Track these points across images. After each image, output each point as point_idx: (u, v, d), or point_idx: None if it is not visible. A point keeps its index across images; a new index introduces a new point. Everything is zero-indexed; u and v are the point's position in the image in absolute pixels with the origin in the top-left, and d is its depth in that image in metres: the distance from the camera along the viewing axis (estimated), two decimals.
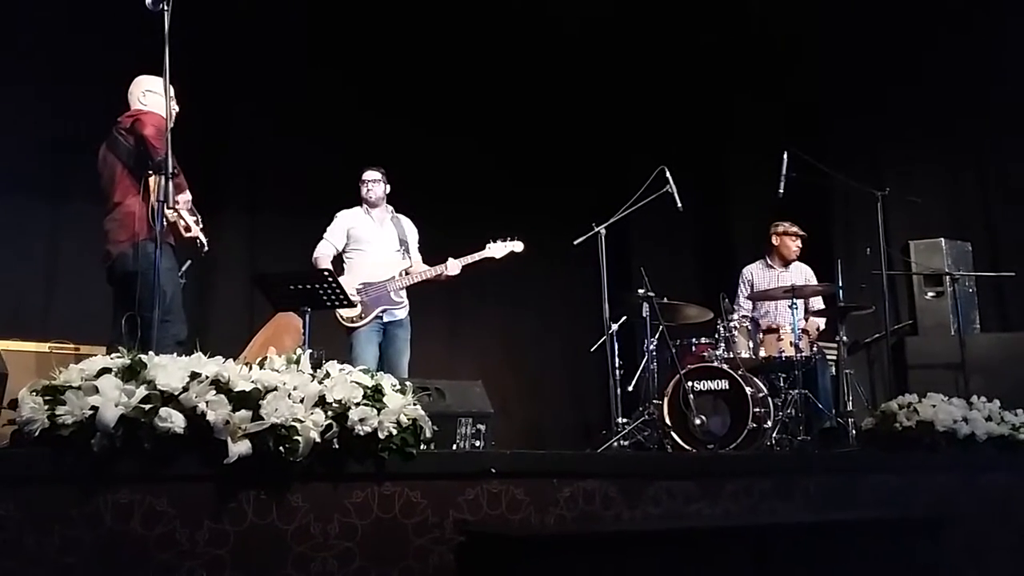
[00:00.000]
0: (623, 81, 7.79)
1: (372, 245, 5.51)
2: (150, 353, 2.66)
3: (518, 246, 5.61)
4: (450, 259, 5.46)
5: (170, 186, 3.40)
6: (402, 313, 5.49)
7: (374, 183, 5.54)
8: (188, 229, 4.31)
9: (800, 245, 6.37)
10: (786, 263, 6.39)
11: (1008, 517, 4.31)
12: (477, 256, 5.52)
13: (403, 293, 5.49)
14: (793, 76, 7.71)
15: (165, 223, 3.99)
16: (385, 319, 5.41)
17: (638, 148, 7.46)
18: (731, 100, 8.05)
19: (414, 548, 2.82)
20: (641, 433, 5.41)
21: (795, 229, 6.37)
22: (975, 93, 7.30)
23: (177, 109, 4.38)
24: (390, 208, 5.66)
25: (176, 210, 4.18)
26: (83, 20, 5.99)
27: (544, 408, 7.55)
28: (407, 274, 5.48)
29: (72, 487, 2.37)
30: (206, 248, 4.43)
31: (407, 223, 5.70)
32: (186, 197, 4.27)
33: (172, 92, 4.29)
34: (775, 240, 6.39)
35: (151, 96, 4.37)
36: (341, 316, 5.31)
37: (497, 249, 5.56)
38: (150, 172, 3.97)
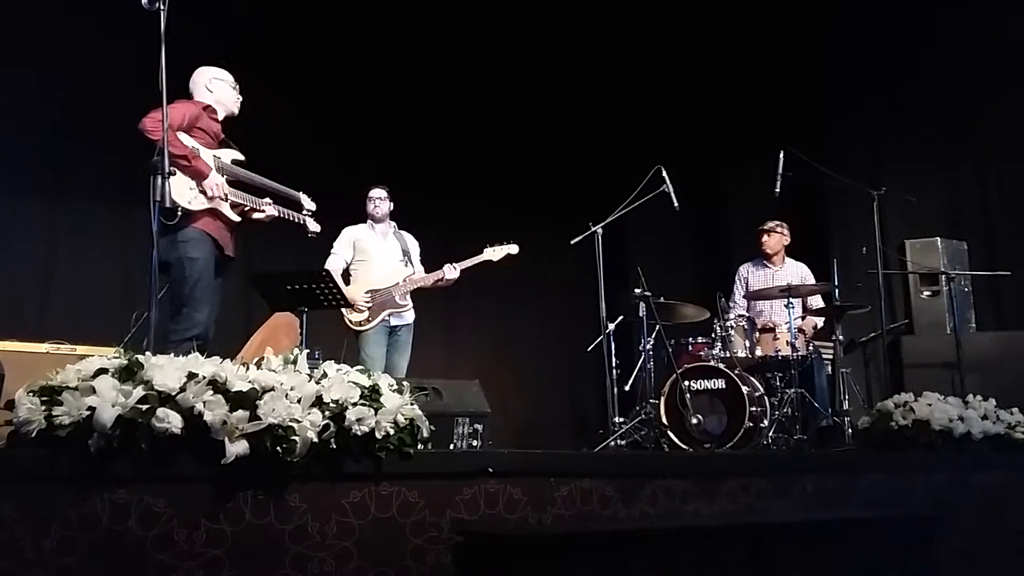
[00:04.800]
0: (620, 81, 7.80)
1: (376, 256, 5.74)
2: (147, 353, 2.66)
3: (514, 249, 5.77)
4: (447, 264, 5.63)
5: (167, 185, 3.39)
6: (409, 316, 5.72)
7: (380, 200, 5.79)
8: (255, 210, 4.41)
9: (778, 241, 6.35)
10: (775, 261, 6.39)
11: (1004, 516, 4.32)
12: (475, 260, 5.70)
13: (408, 297, 5.70)
14: (790, 75, 7.72)
15: (191, 209, 4.12)
16: (393, 322, 5.63)
17: (635, 148, 7.46)
18: (728, 100, 8.06)
19: (411, 548, 2.82)
20: (638, 432, 5.42)
21: (766, 226, 6.35)
22: (971, 92, 7.31)
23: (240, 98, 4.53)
24: (393, 224, 5.87)
25: (211, 197, 4.20)
26: (87, 21, 5.98)
27: (541, 407, 7.56)
28: (409, 280, 5.68)
29: (69, 487, 2.37)
30: (312, 231, 4.66)
31: (409, 237, 5.91)
32: (214, 180, 4.22)
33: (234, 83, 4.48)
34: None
35: (218, 84, 4.48)
36: (349, 320, 5.55)
37: (494, 253, 5.73)
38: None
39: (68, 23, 5.99)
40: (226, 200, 4.28)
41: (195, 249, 4.15)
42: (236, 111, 4.53)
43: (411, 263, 5.79)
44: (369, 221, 5.81)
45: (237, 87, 4.54)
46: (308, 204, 4.66)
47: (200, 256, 4.17)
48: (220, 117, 4.47)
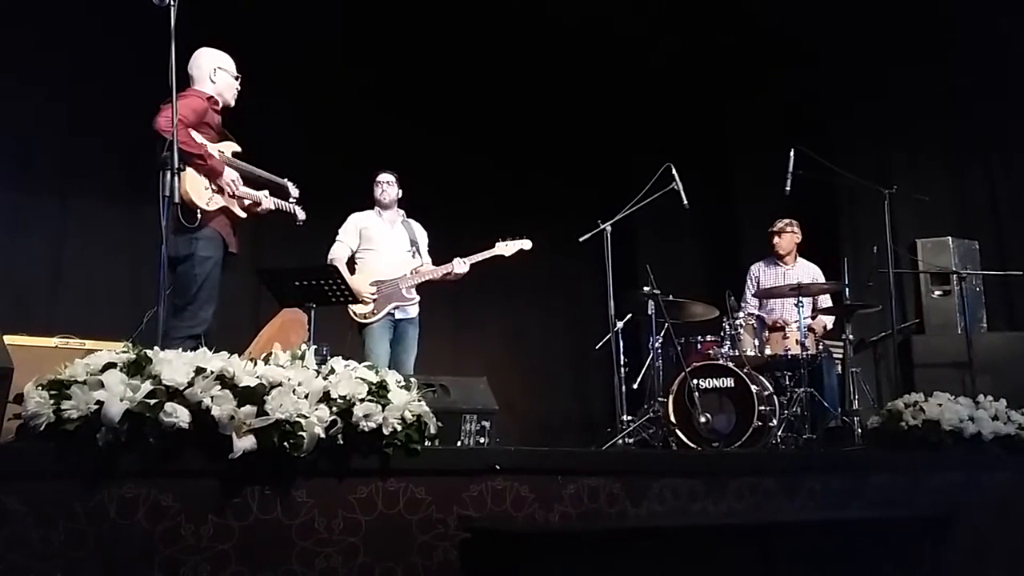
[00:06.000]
0: (628, 79, 7.79)
1: (383, 245, 5.58)
2: (156, 348, 2.66)
3: (527, 244, 5.66)
4: (457, 258, 5.51)
5: (175, 181, 3.38)
6: (414, 311, 5.57)
7: (388, 185, 5.62)
8: (256, 204, 4.39)
9: (790, 240, 6.34)
10: (787, 260, 6.38)
11: (1013, 516, 4.30)
12: (486, 254, 5.58)
13: (414, 291, 5.55)
14: (800, 72, 7.69)
15: (208, 209, 4.11)
16: (397, 316, 5.48)
17: (644, 145, 7.46)
18: (738, 97, 8.05)
19: (418, 544, 2.82)
20: (646, 431, 5.42)
21: (776, 227, 6.34)
22: (983, 90, 7.28)
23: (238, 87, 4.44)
24: (401, 211, 5.73)
25: (227, 194, 4.20)
26: (91, 20, 5.99)
27: (549, 405, 7.56)
28: (417, 272, 5.54)
29: (77, 482, 2.37)
30: (300, 219, 4.60)
31: (417, 226, 5.76)
32: (230, 176, 4.23)
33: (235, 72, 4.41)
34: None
35: (221, 74, 4.37)
36: (354, 312, 5.38)
37: (506, 247, 5.61)
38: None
39: (73, 20, 5.99)
40: (235, 196, 4.28)
41: (208, 248, 4.13)
42: (233, 103, 4.42)
43: (419, 254, 5.64)
44: (376, 208, 5.64)
45: (239, 77, 4.43)
46: (294, 191, 4.58)
47: (213, 255, 4.15)
48: (219, 108, 4.38)
